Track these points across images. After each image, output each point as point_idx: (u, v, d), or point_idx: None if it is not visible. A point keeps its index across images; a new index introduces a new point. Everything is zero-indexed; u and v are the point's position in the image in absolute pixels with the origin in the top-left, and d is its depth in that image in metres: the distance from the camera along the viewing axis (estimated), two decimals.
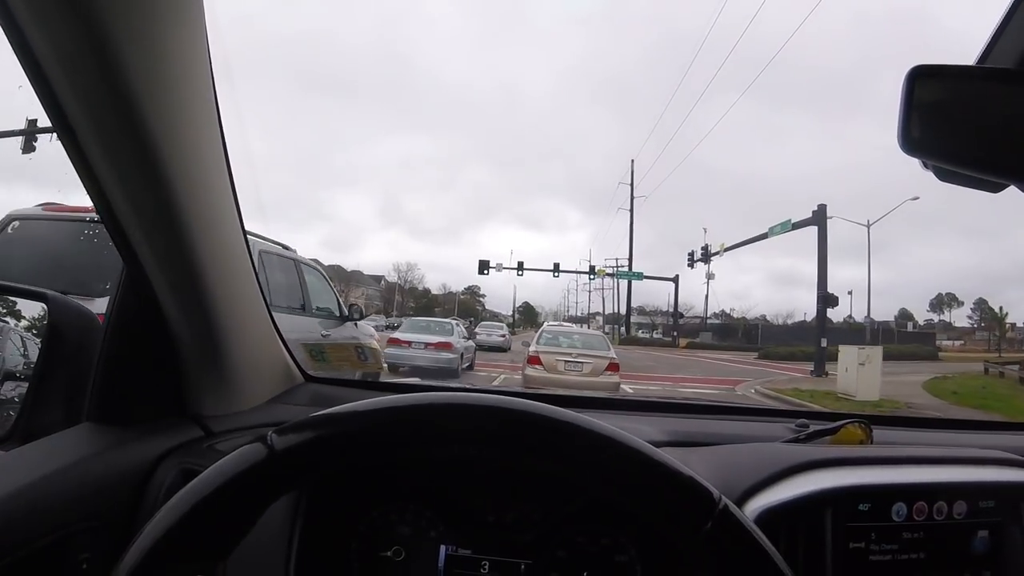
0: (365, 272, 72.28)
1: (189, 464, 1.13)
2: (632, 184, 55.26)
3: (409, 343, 16.93)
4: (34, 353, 1.27)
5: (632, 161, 56.82)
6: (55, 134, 0.90)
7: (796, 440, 1.33)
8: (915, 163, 0.85)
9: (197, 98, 0.95)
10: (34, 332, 1.30)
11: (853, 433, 1.31)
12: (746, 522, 0.73)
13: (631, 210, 55.52)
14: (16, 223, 6.02)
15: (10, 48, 0.79)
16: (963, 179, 0.86)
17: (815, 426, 1.38)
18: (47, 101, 0.84)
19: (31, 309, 1.31)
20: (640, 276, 50.35)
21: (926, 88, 0.82)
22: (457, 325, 21.07)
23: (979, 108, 0.82)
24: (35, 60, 0.79)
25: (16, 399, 1.23)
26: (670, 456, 0.76)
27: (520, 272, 45.87)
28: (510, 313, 72.18)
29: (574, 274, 53.80)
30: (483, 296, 75.35)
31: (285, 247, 8.31)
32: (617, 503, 0.78)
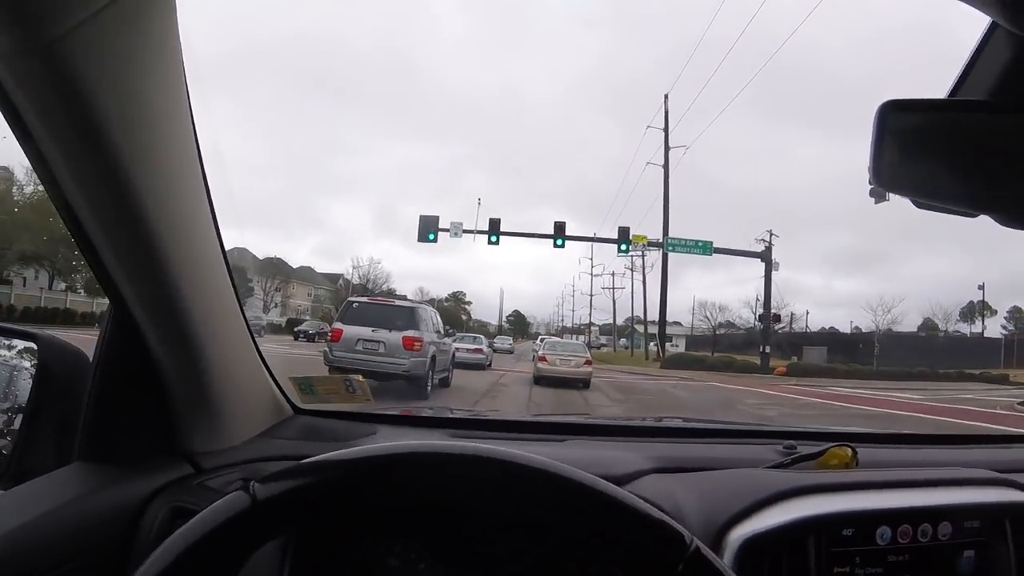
0: (318, 271, 61.58)
1: (180, 502, 1.14)
2: (666, 128, 38.34)
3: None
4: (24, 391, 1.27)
5: (666, 97, 39.04)
6: (33, 168, 0.88)
7: (781, 465, 1.34)
8: None
9: (173, 123, 0.95)
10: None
11: (838, 456, 1.32)
12: (718, 564, 0.74)
13: (665, 163, 38.35)
14: (355, 303, 14.35)
15: None
16: (939, 208, 0.87)
17: (802, 447, 1.39)
18: (21, 138, 0.83)
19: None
20: (709, 248, 32.73)
21: (899, 120, 0.82)
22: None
23: (951, 140, 0.82)
24: (6, 96, 0.77)
25: (9, 437, 1.23)
26: (647, 488, 0.78)
27: (494, 239, 30.48)
28: (497, 322, 66.53)
29: (583, 241, 36.22)
30: (469, 303, 69.03)
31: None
32: (591, 544, 0.79)
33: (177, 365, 1.16)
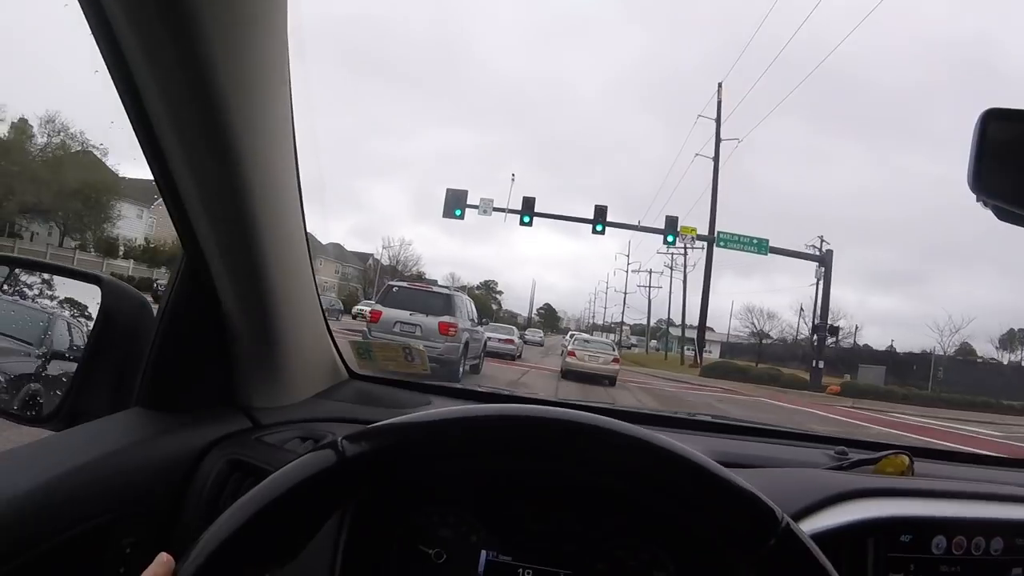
0: (348, 248, 59.51)
1: (236, 455, 1.14)
2: (719, 117, 36.72)
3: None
4: (80, 340, 1.28)
5: (720, 86, 37.71)
6: (129, 120, 0.89)
7: (839, 467, 1.33)
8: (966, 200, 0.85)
9: (273, 92, 0.95)
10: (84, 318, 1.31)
11: (896, 463, 1.31)
12: (809, 542, 0.73)
13: (716, 153, 36.69)
14: (395, 287, 14.85)
15: (90, 33, 0.79)
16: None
17: (855, 454, 1.38)
18: (124, 89, 0.84)
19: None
20: (764, 247, 30.29)
21: (998, 130, 0.82)
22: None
23: None
24: (118, 48, 0.79)
25: (64, 379, 1.24)
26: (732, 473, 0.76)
27: (527, 220, 28.44)
28: (527, 314, 65.09)
29: (625, 229, 32.39)
30: (500, 292, 68.54)
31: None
32: (670, 517, 0.78)
33: (247, 320, 1.16)
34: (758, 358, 39.74)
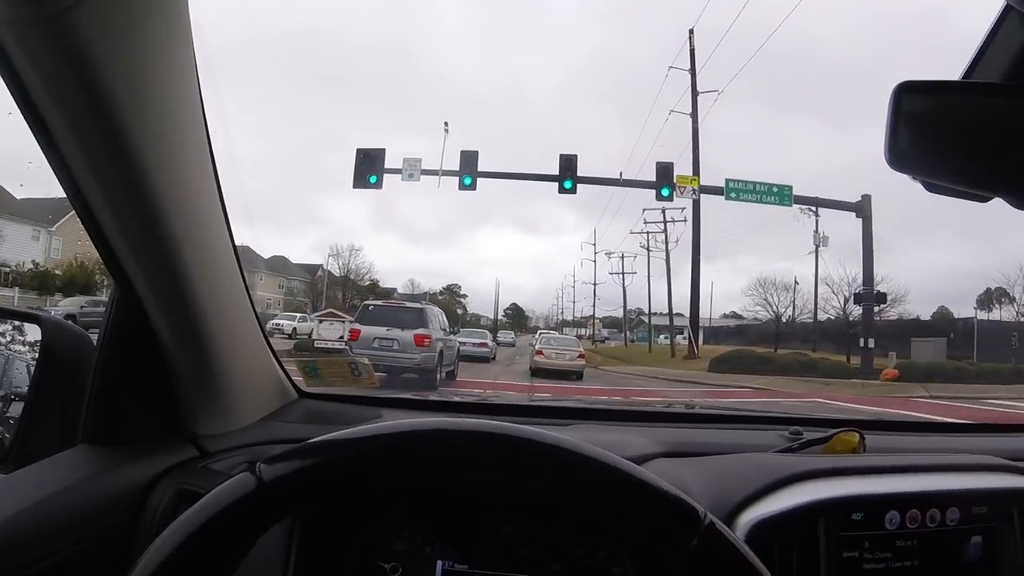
0: (293, 261, 54.00)
1: (184, 485, 1.13)
2: (693, 65, 30.11)
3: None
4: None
5: (691, 32, 30.74)
6: (39, 146, 0.87)
7: (788, 450, 1.34)
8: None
9: (183, 104, 0.94)
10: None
11: (845, 441, 1.32)
12: (732, 538, 0.74)
13: (694, 101, 29.80)
14: (371, 306, 16.12)
15: None
16: (951, 191, 0.87)
17: (808, 433, 1.39)
18: (36, 129, 0.83)
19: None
20: (787, 195, 23.25)
21: (913, 103, 0.83)
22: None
23: (965, 122, 0.83)
24: (22, 86, 0.78)
25: (12, 421, 1.23)
26: (655, 472, 0.77)
27: (468, 182, 22.42)
28: (493, 316, 64.20)
29: (600, 184, 25.18)
30: (464, 296, 65.16)
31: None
32: (604, 521, 0.79)
33: (184, 347, 1.15)
34: (776, 342, 32.37)
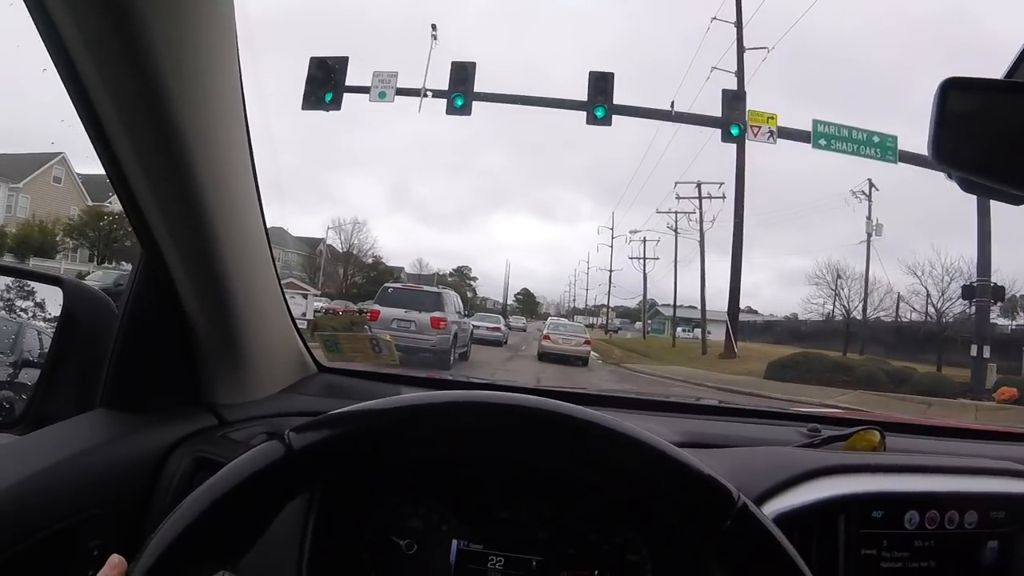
0: (293, 234, 45.76)
1: (202, 452, 1.13)
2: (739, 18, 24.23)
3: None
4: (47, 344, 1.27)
5: None
6: (79, 118, 0.88)
7: (810, 445, 1.34)
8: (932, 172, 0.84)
9: (223, 83, 0.94)
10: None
11: (867, 439, 1.31)
12: (766, 521, 0.73)
13: (739, 43, 23.52)
14: (391, 288, 16.70)
15: (36, 32, 0.78)
16: (987, 191, 0.86)
17: (827, 431, 1.39)
18: (72, 87, 0.83)
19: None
20: (890, 148, 17.72)
21: (957, 100, 0.81)
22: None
23: (1009, 121, 0.81)
24: (61, 43, 0.78)
25: (31, 384, 1.23)
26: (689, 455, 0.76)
27: (460, 103, 17.72)
28: (503, 300, 61.00)
29: (639, 117, 19.25)
30: (475, 279, 64.87)
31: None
32: (634, 501, 0.78)
33: (208, 316, 1.15)
34: (851, 345, 26.11)
